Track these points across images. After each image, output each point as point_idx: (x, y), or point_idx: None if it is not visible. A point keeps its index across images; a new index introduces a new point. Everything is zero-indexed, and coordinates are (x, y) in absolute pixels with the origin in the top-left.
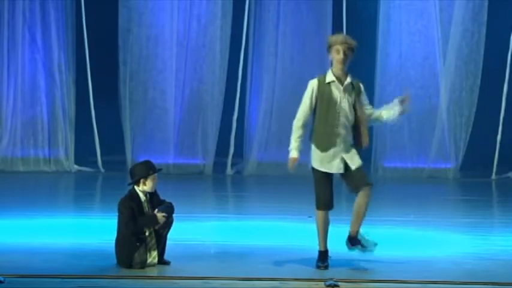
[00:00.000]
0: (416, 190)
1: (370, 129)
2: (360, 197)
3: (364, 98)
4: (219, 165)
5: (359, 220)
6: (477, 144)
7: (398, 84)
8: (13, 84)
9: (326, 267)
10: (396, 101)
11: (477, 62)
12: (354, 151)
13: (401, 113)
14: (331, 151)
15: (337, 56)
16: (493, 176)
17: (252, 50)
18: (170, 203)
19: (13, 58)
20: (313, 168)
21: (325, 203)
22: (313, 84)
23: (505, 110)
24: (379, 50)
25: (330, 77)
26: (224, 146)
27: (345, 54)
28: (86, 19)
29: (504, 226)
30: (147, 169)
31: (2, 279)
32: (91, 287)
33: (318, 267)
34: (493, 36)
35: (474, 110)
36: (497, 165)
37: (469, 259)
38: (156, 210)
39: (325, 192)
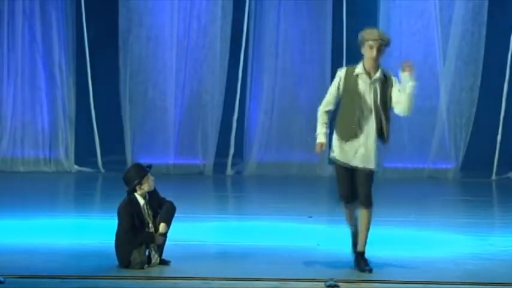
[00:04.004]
0: (416, 190)
1: None
2: (360, 215)
3: (396, 90)
4: (219, 165)
5: (360, 236)
6: (477, 144)
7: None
8: (13, 84)
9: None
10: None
11: (477, 62)
12: (374, 151)
13: (408, 82)
14: (352, 143)
15: (369, 52)
16: (493, 176)
17: (252, 50)
18: (171, 204)
19: (13, 58)
20: (334, 161)
21: (343, 196)
22: (340, 73)
23: (505, 110)
24: None
25: (359, 69)
26: (224, 146)
27: (378, 50)
28: (86, 19)
29: (504, 226)
30: (138, 173)
31: (2, 279)
32: (91, 287)
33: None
34: (493, 36)
35: (474, 110)
36: (497, 166)
37: (469, 259)
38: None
39: (343, 185)
